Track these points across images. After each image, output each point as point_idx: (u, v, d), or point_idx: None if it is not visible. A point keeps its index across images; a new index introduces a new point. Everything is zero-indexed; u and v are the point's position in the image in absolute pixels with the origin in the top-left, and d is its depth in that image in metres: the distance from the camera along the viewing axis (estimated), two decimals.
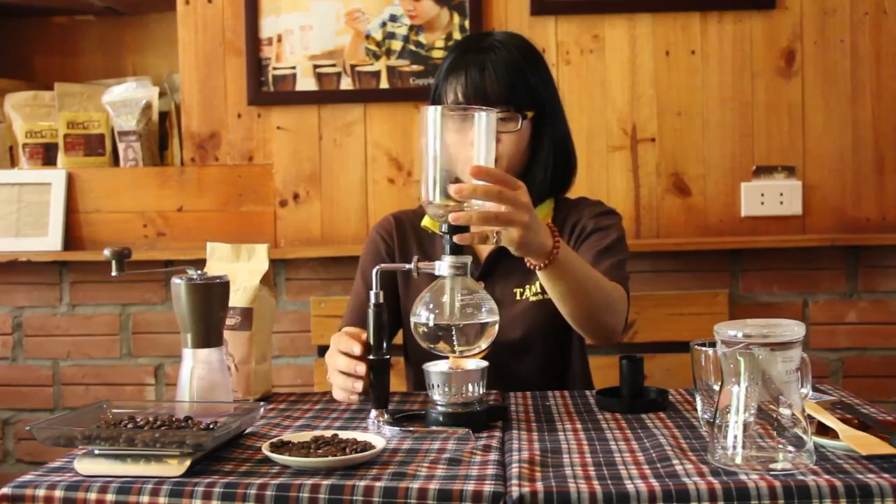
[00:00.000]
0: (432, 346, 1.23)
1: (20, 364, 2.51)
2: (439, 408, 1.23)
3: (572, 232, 1.64)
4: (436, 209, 1.20)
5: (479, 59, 1.55)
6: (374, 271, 1.26)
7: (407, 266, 1.26)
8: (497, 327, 1.23)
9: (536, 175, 1.61)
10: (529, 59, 1.60)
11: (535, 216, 1.25)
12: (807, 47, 2.35)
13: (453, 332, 1.21)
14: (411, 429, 1.19)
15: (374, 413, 1.23)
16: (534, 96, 1.58)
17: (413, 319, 1.23)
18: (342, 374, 1.31)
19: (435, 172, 1.18)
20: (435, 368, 1.24)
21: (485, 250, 1.65)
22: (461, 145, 1.20)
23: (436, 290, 1.23)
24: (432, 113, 1.19)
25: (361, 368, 1.27)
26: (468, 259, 1.22)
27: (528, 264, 1.34)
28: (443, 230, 1.21)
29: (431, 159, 1.18)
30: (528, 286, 1.61)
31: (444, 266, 1.21)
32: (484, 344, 1.23)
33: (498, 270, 1.63)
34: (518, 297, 1.61)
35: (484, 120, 1.19)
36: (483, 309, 1.22)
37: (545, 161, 1.62)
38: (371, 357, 1.23)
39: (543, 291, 1.60)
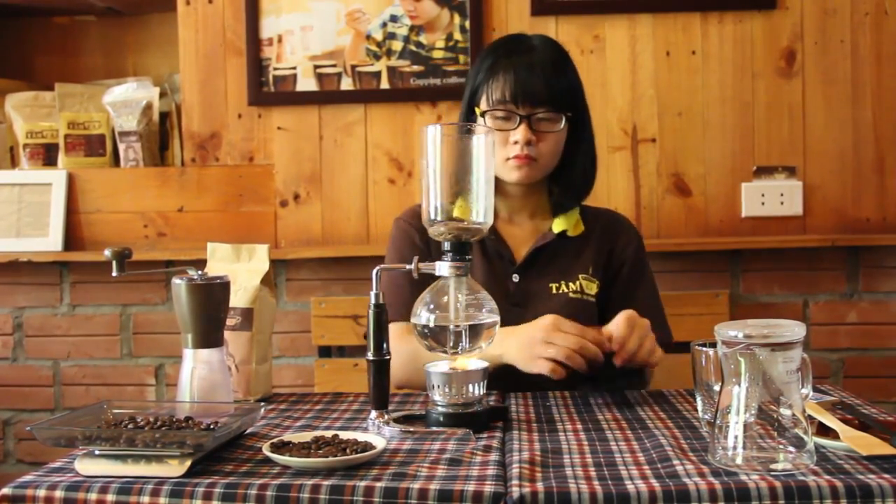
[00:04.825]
0: (433, 346, 1.23)
1: (21, 364, 2.51)
2: (440, 408, 1.23)
3: (611, 254, 1.69)
4: (438, 228, 1.21)
5: (525, 59, 1.59)
6: (375, 272, 1.25)
7: (407, 266, 1.26)
8: (498, 328, 1.23)
9: (571, 177, 1.66)
10: (567, 62, 1.65)
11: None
12: (807, 47, 2.35)
13: (453, 333, 1.21)
14: (412, 429, 1.19)
15: (374, 414, 1.23)
16: (573, 98, 1.63)
17: (413, 320, 1.24)
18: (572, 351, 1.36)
19: (437, 192, 1.20)
20: (435, 369, 1.24)
21: (524, 246, 1.67)
22: (461, 163, 1.20)
23: (436, 291, 1.23)
24: (432, 132, 1.20)
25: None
26: (469, 260, 1.22)
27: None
28: (444, 248, 1.22)
29: (433, 179, 1.20)
30: (563, 282, 1.63)
31: (444, 267, 1.21)
32: (484, 344, 1.23)
33: (536, 265, 1.65)
34: (554, 292, 1.63)
35: (483, 139, 1.20)
36: (484, 309, 1.22)
37: (580, 163, 1.66)
38: (371, 357, 1.23)
39: (582, 291, 1.63)
